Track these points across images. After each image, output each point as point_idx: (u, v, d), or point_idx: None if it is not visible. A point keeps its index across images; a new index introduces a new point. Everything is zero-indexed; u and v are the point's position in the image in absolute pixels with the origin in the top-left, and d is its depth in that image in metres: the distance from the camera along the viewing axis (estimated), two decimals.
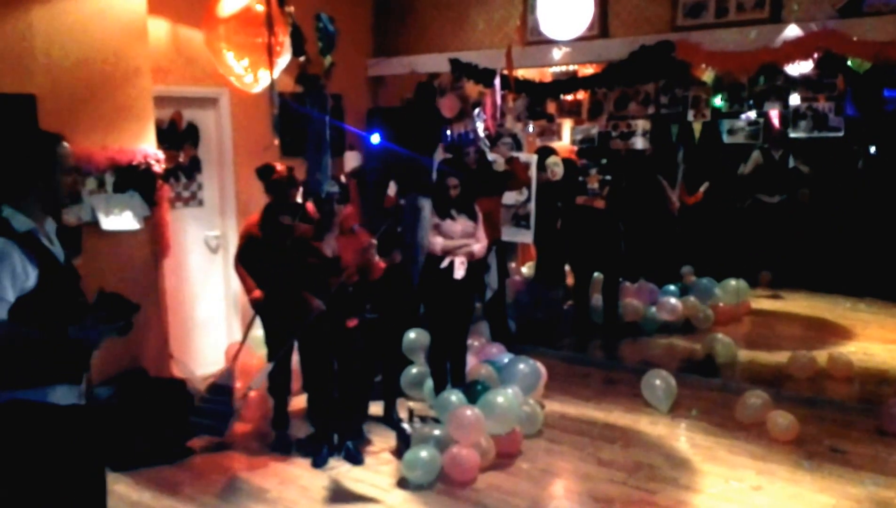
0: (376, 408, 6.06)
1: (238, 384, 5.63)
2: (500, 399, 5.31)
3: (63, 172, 2.93)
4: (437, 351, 6.10)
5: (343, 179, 6.65)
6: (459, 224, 5.87)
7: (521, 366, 6.10)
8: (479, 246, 5.92)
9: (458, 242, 5.83)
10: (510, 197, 7.54)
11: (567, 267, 8.85)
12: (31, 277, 2.75)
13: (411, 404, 5.98)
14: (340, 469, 5.26)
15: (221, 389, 5.48)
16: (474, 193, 6.16)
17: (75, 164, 5.31)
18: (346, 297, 5.25)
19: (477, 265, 6.14)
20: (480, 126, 8.12)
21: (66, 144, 2.95)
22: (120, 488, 5.00)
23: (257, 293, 5.61)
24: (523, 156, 7.65)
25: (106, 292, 2.81)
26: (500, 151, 7.24)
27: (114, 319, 2.79)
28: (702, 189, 9.49)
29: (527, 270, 9.67)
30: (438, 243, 5.80)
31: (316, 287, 5.15)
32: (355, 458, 5.37)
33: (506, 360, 6.31)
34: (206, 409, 5.45)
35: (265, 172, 5.72)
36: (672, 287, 8.80)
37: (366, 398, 5.91)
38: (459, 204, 5.90)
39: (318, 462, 5.34)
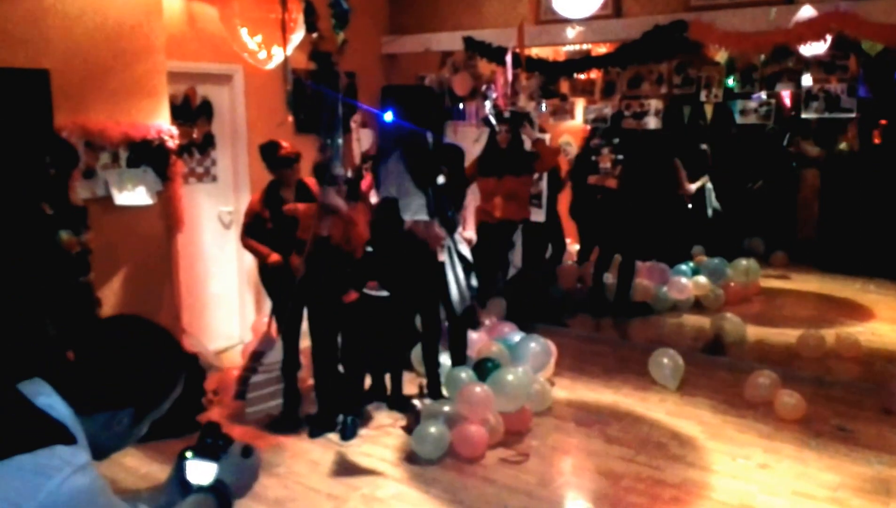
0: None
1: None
2: (510, 377, 5.36)
3: None
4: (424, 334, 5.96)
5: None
6: None
7: (533, 345, 6.12)
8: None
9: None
10: None
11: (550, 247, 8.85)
12: None
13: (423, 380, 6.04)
14: (349, 444, 5.32)
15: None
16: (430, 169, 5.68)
17: (89, 139, 5.40)
18: (344, 272, 5.23)
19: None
20: (489, 105, 8.12)
21: None
22: (129, 461, 5.04)
23: (275, 257, 5.52)
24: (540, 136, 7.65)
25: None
26: (526, 132, 7.22)
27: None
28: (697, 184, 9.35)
29: None
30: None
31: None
32: (346, 433, 5.39)
33: (517, 338, 6.35)
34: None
35: (270, 149, 5.61)
36: (683, 267, 8.81)
37: (360, 375, 5.83)
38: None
39: (347, 435, 5.37)
